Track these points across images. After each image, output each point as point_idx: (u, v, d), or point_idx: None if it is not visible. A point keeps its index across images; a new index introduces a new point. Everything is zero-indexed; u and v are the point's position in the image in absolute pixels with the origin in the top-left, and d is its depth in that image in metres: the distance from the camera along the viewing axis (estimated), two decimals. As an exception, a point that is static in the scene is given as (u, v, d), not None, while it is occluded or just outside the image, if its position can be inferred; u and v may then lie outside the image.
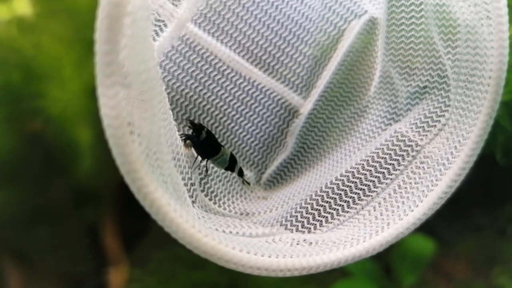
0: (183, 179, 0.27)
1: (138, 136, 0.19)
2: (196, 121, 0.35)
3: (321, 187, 0.29)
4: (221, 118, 0.36)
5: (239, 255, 0.22)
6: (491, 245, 0.52)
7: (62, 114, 0.47)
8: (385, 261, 0.49)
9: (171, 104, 0.34)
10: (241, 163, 0.36)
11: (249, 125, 0.36)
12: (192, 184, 0.27)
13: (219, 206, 0.31)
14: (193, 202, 0.27)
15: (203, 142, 0.30)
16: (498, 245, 0.52)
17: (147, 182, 0.20)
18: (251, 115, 0.36)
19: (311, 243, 0.25)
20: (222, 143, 0.36)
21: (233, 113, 0.36)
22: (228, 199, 0.32)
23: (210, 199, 0.31)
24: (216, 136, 0.36)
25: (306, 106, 0.36)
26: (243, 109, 0.36)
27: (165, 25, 0.32)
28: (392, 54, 0.32)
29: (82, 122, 0.47)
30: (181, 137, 0.29)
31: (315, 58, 0.36)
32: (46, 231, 0.46)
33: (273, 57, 0.36)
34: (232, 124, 0.36)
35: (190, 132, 0.30)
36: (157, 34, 0.32)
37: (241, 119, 0.36)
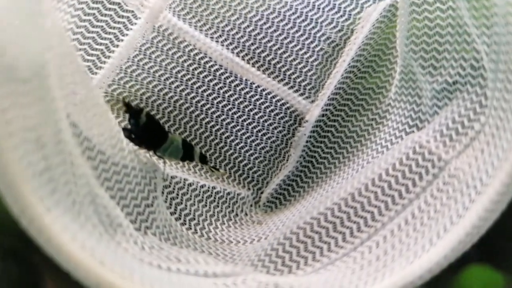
0: (134, 198, 0.21)
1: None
2: (186, 133, 0.30)
3: (312, 214, 0.23)
4: (213, 127, 0.30)
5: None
6: None
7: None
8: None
9: (155, 112, 0.29)
10: (238, 180, 0.31)
11: (248, 135, 0.31)
12: (148, 205, 0.22)
13: (195, 232, 0.26)
14: (147, 228, 0.22)
15: (144, 128, 0.24)
16: None
17: (32, 203, 0.15)
18: (250, 123, 0.31)
19: (283, 289, 0.19)
20: (217, 159, 0.30)
21: (228, 121, 0.31)
22: (210, 224, 0.27)
23: (184, 224, 0.25)
24: (211, 150, 0.31)
25: (313, 112, 0.30)
26: (240, 116, 0.31)
27: (135, 17, 0.28)
28: (413, 43, 0.24)
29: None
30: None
31: (325, 54, 0.30)
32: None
33: (275, 54, 0.30)
34: (227, 134, 0.31)
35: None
36: (125, 27, 0.28)
37: (238, 128, 0.31)
